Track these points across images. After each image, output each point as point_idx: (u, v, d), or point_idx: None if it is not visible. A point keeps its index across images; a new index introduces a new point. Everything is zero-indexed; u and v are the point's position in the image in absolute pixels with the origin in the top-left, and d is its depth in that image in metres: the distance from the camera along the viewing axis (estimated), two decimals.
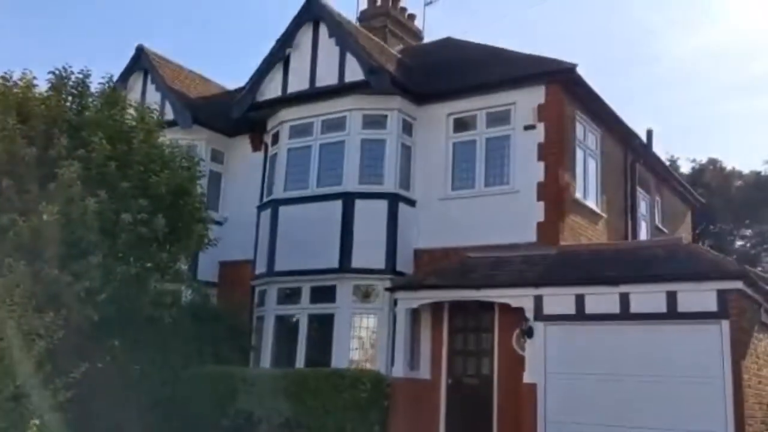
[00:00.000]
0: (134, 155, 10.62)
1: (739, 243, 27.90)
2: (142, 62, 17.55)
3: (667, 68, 53.01)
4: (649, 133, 16.94)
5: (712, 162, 28.67)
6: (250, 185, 16.73)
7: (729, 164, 28.57)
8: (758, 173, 28.05)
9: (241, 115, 15.98)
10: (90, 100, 11.05)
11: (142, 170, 10.68)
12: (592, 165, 14.84)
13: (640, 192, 17.05)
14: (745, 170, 28.32)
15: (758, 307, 11.17)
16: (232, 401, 13.14)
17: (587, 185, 14.49)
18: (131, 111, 11.62)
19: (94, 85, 11.67)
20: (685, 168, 27.52)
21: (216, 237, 13.09)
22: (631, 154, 16.47)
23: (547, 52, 14.96)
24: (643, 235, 16.87)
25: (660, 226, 18.30)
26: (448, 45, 18.14)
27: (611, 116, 15.12)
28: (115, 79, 14.15)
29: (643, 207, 17.26)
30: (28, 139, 9.88)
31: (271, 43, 15.89)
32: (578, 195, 13.98)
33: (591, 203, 14.52)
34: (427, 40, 21.10)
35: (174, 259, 11.45)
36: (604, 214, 14.94)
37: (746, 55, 51.54)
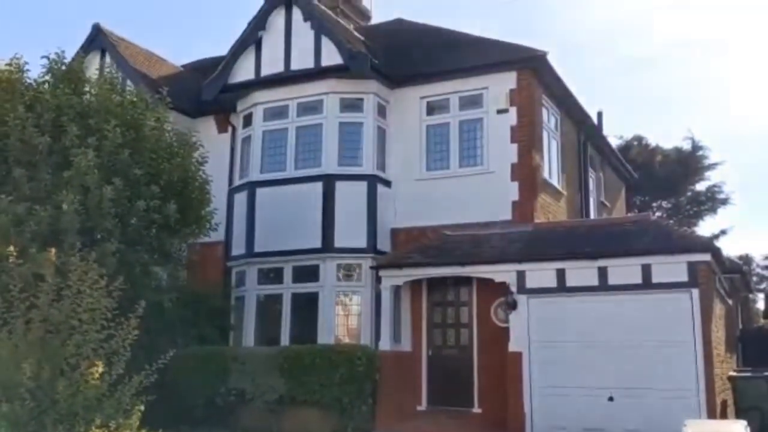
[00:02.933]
0: (145, 142, 10.63)
1: (657, 214, 29.99)
2: (99, 41, 17.14)
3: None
4: (599, 115, 18.15)
5: (638, 138, 30.62)
6: (216, 167, 16.65)
7: (653, 141, 30.83)
8: (680, 149, 30.32)
9: (212, 97, 15.96)
10: (87, 86, 10.90)
11: (153, 157, 10.71)
12: (554, 146, 15.81)
13: (589, 169, 18.24)
14: (668, 146, 30.60)
15: (715, 275, 12.44)
16: (224, 380, 13.41)
17: (551, 165, 15.45)
18: (131, 97, 11.52)
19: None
20: (613, 144, 29.21)
21: (216, 222, 13.20)
22: (583, 134, 17.57)
23: None
24: (592, 209, 18.11)
25: (604, 200, 19.63)
26: (403, 27, 18.52)
27: (570, 99, 16.11)
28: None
29: (591, 183, 18.48)
30: (37, 127, 9.73)
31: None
32: (545, 175, 14.91)
33: (555, 182, 15.51)
34: (374, 20, 21.43)
35: (181, 245, 11.55)
36: (564, 192, 15.99)
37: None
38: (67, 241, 9.08)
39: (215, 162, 16.71)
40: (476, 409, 13.40)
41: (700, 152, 29.89)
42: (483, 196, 14.18)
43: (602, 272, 12.01)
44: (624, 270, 11.86)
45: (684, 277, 11.45)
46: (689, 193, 30.39)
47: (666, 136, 54.78)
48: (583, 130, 17.54)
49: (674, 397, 11.21)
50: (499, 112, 14.35)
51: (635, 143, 30.23)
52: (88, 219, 9.54)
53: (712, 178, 30.67)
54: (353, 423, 12.83)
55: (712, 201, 30.10)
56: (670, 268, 11.55)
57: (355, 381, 12.63)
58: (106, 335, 6.31)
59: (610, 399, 11.57)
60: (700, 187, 30.57)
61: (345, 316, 14.57)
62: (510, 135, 14.25)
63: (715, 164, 30.39)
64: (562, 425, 11.87)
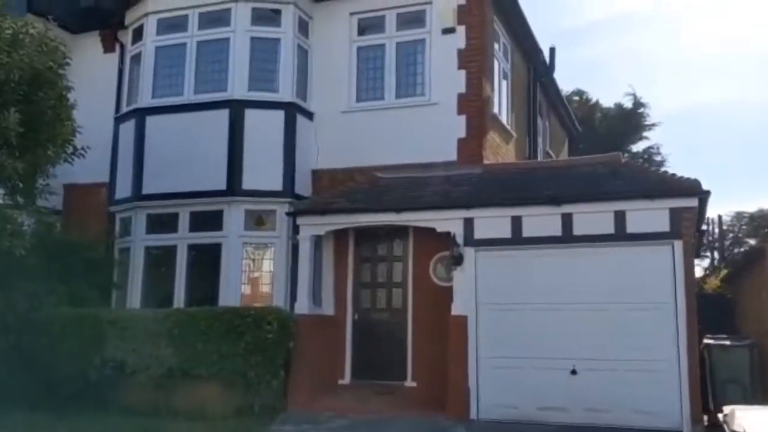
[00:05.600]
0: None
1: None
2: None
3: None
4: (552, 52, 16.01)
5: (579, 93, 29.10)
6: (100, 94, 13.93)
7: (594, 96, 29.37)
8: (621, 105, 28.94)
9: (93, 3, 12.97)
10: None
11: None
12: (504, 78, 13.63)
13: (538, 114, 16.22)
14: (609, 103, 29.18)
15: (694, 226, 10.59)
16: (99, 349, 10.80)
17: (501, 100, 13.28)
18: None
19: None
20: None
21: (86, 145, 10.38)
22: (533, 72, 15.49)
23: None
24: (540, 158, 16.11)
25: (549, 151, 17.71)
26: None
27: (523, 27, 13.95)
28: None
29: (539, 129, 16.46)
30: None
31: None
32: (495, 110, 12.72)
33: (504, 120, 13.36)
34: None
35: (31, 172, 8.71)
36: (514, 134, 13.87)
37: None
38: None
39: (100, 88, 13.95)
40: (410, 383, 11.31)
41: (642, 109, 28.69)
42: (423, 132, 11.90)
43: (567, 220, 9.95)
44: (593, 218, 9.84)
45: (665, 227, 9.52)
46: (626, 154, 29.01)
47: (606, 96, 53.46)
48: (534, 67, 15.43)
49: (649, 369, 9.36)
50: (445, 32, 11.99)
51: (576, 98, 28.66)
52: None
53: (651, 138, 29.66)
54: (261, 400, 10.49)
55: (648, 162, 28.84)
56: (649, 215, 9.60)
57: (264, 351, 10.23)
58: None
59: (573, 372, 9.64)
60: (637, 148, 29.34)
61: (254, 274, 12.07)
62: (457, 60, 11.94)
63: (653, 125, 29.28)
64: (514, 403, 9.89)
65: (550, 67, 16.06)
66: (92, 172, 13.60)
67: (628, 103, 28.94)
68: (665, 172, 10.00)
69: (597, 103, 29.12)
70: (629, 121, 27.94)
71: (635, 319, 9.49)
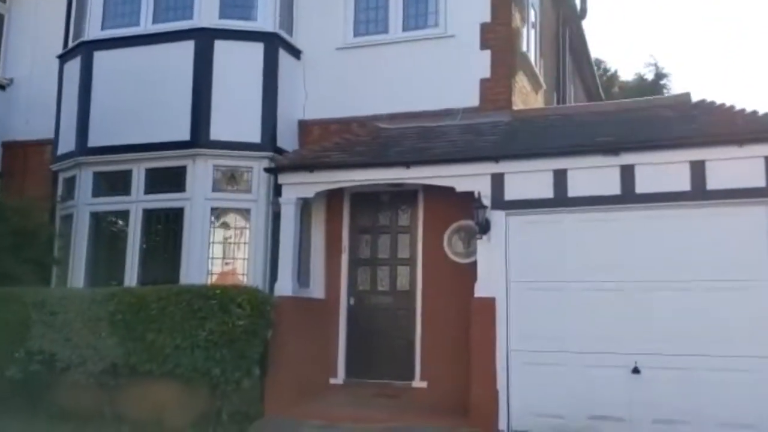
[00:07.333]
0: None
1: None
2: None
3: None
4: None
5: (597, 63, 26.87)
6: (48, 35, 11.78)
7: (612, 67, 27.28)
8: (642, 76, 26.74)
9: None
10: None
11: None
12: (533, 15, 11.34)
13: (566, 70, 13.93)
14: (629, 73, 27.08)
15: None
16: (22, 339, 8.48)
17: (529, 41, 10.97)
18: None
19: None
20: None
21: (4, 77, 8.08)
22: (562, 17, 13.19)
23: None
24: None
25: None
26: None
27: None
28: None
29: (567, 87, 14.19)
30: None
31: None
32: (524, 49, 10.42)
33: (533, 64, 11.06)
34: None
35: None
36: (543, 84, 11.57)
37: None
38: None
39: (48, 27, 11.81)
40: (419, 384, 9.11)
41: (664, 80, 26.48)
42: (438, 72, 9.69)
43: (627, 174, 7.68)
44: (662, 171, 7.56)
45: (760, 181, 7.27)
46: None
47: (626, 67, 50.82)
48: (563, 13, 13.12)
49: (738, 368, 7.12)
50: None
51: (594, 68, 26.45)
52: None
53: None
54: (230, 405, 8.24)
55: None
56: (737, 166, 7.33)
57: (232, 341, 7.94)
58: None
59: (635, 371, 7.40)
60: None
61: (225, 246, 9.76)
62: None
63: None
64: (557, 411, 7.67)
65: (581, 13, 13.74)
66: (37, 128, 11.54)
67: (649, 74, 26.72)
68: (755, 111, 7.74)
69: (615, 75, 26.94)
70: (650, 94, 25.76)
71: (718, 302, 7.26)
